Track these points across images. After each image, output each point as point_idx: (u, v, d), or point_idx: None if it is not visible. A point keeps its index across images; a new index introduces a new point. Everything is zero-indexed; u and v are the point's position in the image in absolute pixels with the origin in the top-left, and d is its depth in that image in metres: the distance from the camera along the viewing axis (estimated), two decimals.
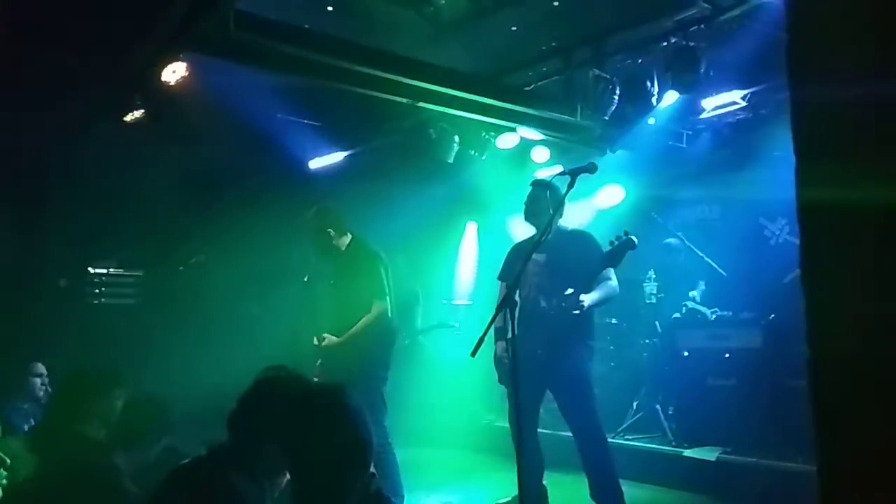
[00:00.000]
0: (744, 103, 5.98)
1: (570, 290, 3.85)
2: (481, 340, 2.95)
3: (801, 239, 1.01)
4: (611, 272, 4.07)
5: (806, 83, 1.05)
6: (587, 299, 3.87)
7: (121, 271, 5.97)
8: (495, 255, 6.64)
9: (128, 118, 5.46)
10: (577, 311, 3.83)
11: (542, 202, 4.16)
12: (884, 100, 0.95)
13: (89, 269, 5.77)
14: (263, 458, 1.85)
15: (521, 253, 4.30)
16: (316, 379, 4.04)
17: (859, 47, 0.99)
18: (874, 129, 0.96)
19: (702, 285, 6.06)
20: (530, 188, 4.32)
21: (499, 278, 4.41)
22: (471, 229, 8.46)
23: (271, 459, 1.81)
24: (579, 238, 4.25)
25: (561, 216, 4.27)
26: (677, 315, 5.80)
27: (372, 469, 1.82)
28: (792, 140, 1.06)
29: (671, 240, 6.25)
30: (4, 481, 2.19)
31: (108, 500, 2.35)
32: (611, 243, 3.82)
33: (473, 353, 2.95)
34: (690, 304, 5.88)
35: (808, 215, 1.02)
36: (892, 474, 0.85)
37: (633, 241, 3.74)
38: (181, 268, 5.43)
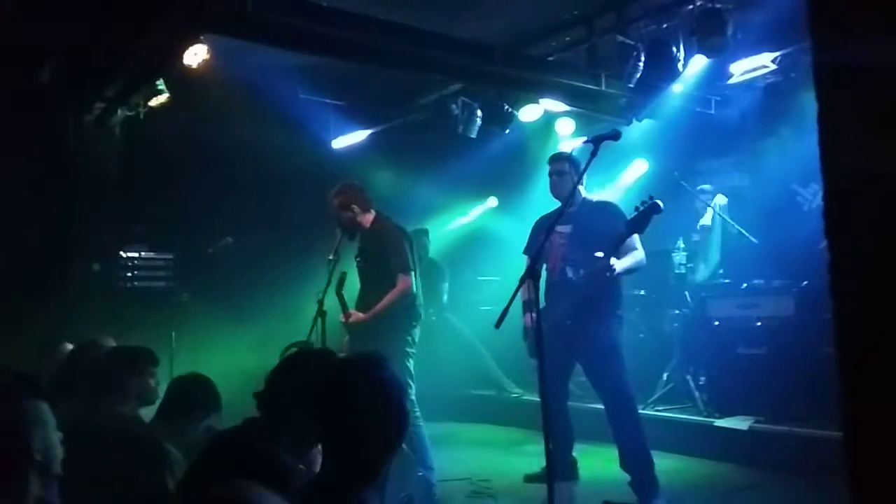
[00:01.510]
0: (773, 66, 5.80)
1: (599, 254, 3.82)
2: (505, 312, 2.96)
3: (825, 210, 0.98)
4: (637, 242, 4.03)
5: (829, 45, 1.01)
6: (618, 265, 3.85)
7: (152, 254, 6.06)
8: (521, 230, 6.62)
9: (153, 102, 5.53)
10: (609, 274, 3.81)
11: (565, 175, 4.13)
12: None
13: (121, 252, 5.87)
14: (297, 431, 1.87)
15: (545, 226, 4.28)
16: (343, 355, 4.09)
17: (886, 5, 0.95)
18: None
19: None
20: (550, 164, 4.28)
21: (525, 252, 4.38)
22: (496, 204, 8.43)
23: (304, 431, 1.83)
24: (605, 209, 4.22)
25: (584, 186, 4.23)
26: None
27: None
28: (816, 109, 1.03)
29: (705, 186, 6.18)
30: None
31: (151, 464, 2.40)
32: (636, 208, 3.78)
33: (498, 325, 2.96)
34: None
35: (834, 186, 0.99)
36: None
37: (659, 206, 3.70)
38: (210, 250, 5.48)
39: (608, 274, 3.83)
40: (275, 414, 1.95)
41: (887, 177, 0.93)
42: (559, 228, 4.14)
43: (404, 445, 3.91)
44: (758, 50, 5.56)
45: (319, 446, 1.78)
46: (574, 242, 4.09)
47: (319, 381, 1.70)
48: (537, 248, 4.15)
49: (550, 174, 4.26)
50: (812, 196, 5.92)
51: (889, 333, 0.88)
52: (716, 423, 4.96)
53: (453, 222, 8.35)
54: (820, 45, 1.02)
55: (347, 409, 1.62)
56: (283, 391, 1.97)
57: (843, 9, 1.00)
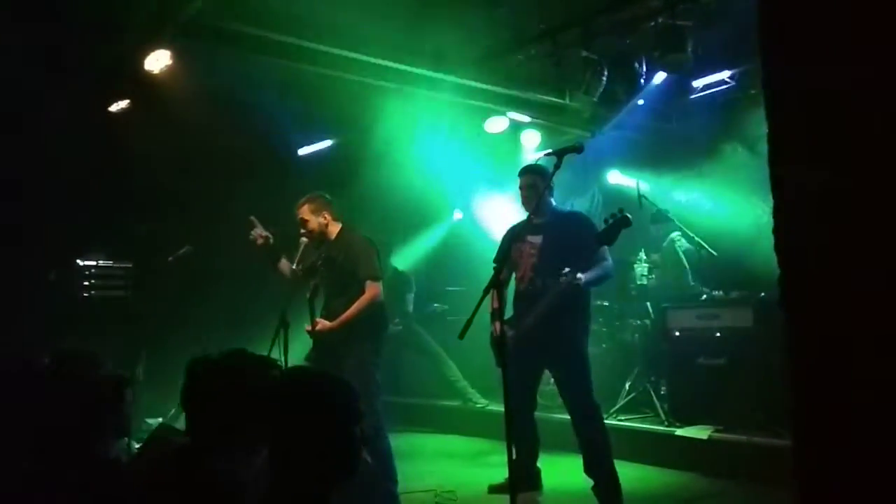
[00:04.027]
0: (732, 83, 5.97)
1: (566, 269, 3.85)
2: (469, 322, 2.96)
3: (774, 224, 1.01)
4: (606, 252, 4.08)
5: (777, 65, 1.04)
6: (584, 277, 3.89)
7: (110, 263, 5.93)
8: (487, 240, 6.64)
9: (113, 108, 5.42)
10: (577, 284, 3.84)
11: (535, 188, 4.14)
12: (853, 82, 0.94)
13: (78, 261, 5.73)
14: (244, 444, 1.83)
15: (513, 236, 4.30)
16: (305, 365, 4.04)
17: (830, 29, 0.99)
18: (842, 111, 0.95)
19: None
20: (520, 177, 4.29)
21: (494, 261, 4.37)
22: (463, 214, 8.45)
23: (246, 442, 1.79)
24: (575, 219, 4.26)
25: (552, 196, 4.27)
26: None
27: (365, 455, 1.77)
28: (766, 122, 1.06)
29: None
30: None
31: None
32: (605, 221, 3.81)
33: (462, 336, 2.96)
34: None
35: (782, 200, 1.02)
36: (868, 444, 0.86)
37: (629, 219, 3.75)
38: (169, 259, 5.38)
39: (574, 288, 3.86)
40: (222, 428, 1.88)
41: (831, 192, 0.96)
42: (530, 238, 4.17)
43: (368, 458, 3.88)
44: (717, 66, 5.71)
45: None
46: (545, 253, 4.12)
47: (266, 396, 1.66)
48: (502, 257, 4.19)
49: (521, 187, 4.26)
50: (769, 209, 6.06)
51: (834, 343, 0.90)
52: (676, 433, 5.03)
53: (419, 233, 8.35)
54: (768, 65, 1.06)
55: (295, 426, 1.59)
56: (223, 406, 1.90)
57: (789, 32, 1.03)
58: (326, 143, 7.20)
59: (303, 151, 7.25)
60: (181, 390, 1.95)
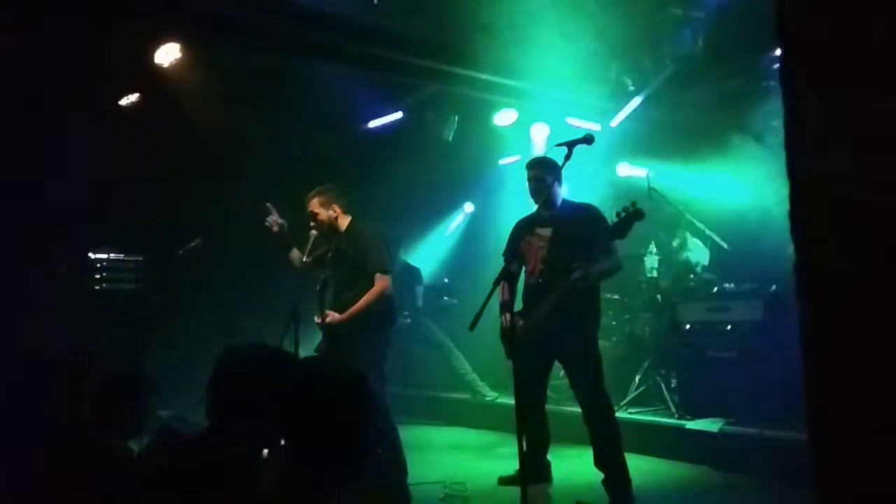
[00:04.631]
0: (744, 74, 5.91)
1: (575, 264, 3.84)
2: (479, 314, 2.96)
3: (791, 210, 1.00)
4: (614, 245, 4.05)
5: (797, 52, 1.03)
6: (594, 271, 3.87)
7: (121, 256, 5.97)
8: (496, 233, 6.63)
9: (122, 102, 5.44)
10: (584, 283, 3.83)
11: (544, 179, 4.12)
12: (875, 67, 0.93)
13: (89, 254, 5.76)
14: (253, 430, 1.83)
15: (523, 228, 4.29)
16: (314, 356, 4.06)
17: (851, 13, 0.97)
18: (863, 95, 0.94)
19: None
20: (528, 169, 4.27)
21: (503, 255, 4.35)
22: (471, 206, 8.44)
23: (261, 431, 1.80)
24: (585, 212, 4.21)
25: (560, 186, 4.25)
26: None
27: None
28: (783, 121, 1.05)
29: None
30: None
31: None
32: (617, 215, 3.78)
33: (472, 327, 2.96)
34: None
35: (800, 187, 1.01)
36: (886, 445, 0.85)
37: (641, 213, 3.72)
38: (179, 252, 5.41)
39: (583, 283, 3.85)
40: (239, 414, 1.89)
41: (850, 178, 0.95)
42: (539, 231, 4.16)
43: (378, 450, 3.88)
44: (728, 57, 5.65)
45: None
46: (554, 246, 4.09)
47: (283, 385, 1.66)
48: (512, 250, 4.18)
49: (529, 179, 4.24)
50: (782, 201, 6.01)
51: (853, 333, 0.89)
52: (687, 426, 5.01)
53: (429, 225, 8.35)
54: (788, 52, 1.04)
55: (307, 419, 1.59)
56: (240, 395, 1.91)
57: (810, 17, 1.02)
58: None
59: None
60: (210, 376, 1.96)
